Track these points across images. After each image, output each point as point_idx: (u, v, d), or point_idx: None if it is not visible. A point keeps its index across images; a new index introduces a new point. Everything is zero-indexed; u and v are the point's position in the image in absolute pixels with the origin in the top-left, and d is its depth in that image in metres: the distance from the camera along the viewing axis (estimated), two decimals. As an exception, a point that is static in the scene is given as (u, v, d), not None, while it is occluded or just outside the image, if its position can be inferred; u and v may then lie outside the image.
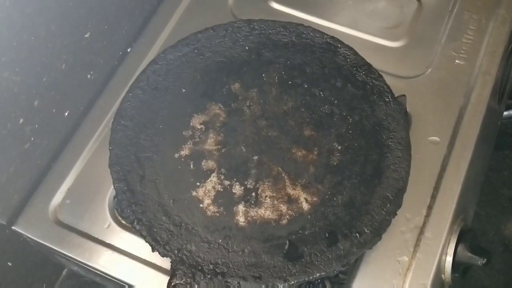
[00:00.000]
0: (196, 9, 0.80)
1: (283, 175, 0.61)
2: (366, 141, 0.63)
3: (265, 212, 0.59)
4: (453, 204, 0.63)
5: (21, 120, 0.62)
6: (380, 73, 0.67)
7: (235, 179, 0.61)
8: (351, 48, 0.68)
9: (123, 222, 0.65)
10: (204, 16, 0.78)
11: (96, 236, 0.65)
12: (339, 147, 0.63)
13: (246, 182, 0.61)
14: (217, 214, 0.59)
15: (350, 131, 0.63)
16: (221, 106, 0.66)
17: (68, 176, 0.68)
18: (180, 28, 0.78)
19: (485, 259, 0.62)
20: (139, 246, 0.63)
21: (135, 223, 0.58)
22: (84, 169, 0.69)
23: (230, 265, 0.55)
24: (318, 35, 0.69)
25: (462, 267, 0.65)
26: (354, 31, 0.77)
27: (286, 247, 0.57)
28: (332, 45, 0.69)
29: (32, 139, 0.65)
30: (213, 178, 0.61)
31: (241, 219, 0.58)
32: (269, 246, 0.57)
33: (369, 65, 0.67)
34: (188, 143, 0.63)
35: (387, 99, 0.65)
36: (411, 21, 0.78)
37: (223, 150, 0.63)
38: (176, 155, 0.62)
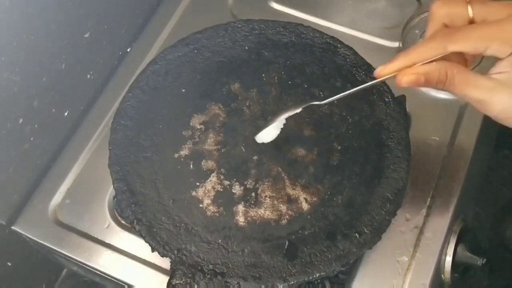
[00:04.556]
0: (196, 9, 0.80)
1: (282, 175, 0.61)
2: (366, 141, 0.63)
3: (265, 212, 0.59)
4: (452, 204, 0.63)
5: (21, 120, 0.62)
6: (380, 73, 0.67)
7: (234, 179, 0.61)
8: (350, 48, 0.68)
9: (122, 222, 0.65)
10: (204, 16, 0.78)
11: (95, 236, 0.65)
12: (339, 147, 0.63)
13: (245, 182, 0.61)
14: (217, 214, 0.59)
15: (350, 131, 0.63)
16: (221, 106, 0.66)
17: (68, 176, 0.69)
18: (180, 28, 0.78)
19: (485, 259, 0.62)
20: (139, 246, 0.63)
21: (134, 223, 0.58)
22: (84, 169, 0.69)
23: (230, 265, 0.55)
24: (318, 35, 0.69)
25: (461, 267, 0.65)
26: (354, 31, 0.77)
27: (286, 247, 0.56)
28: (332, 45, 0.69)
29: (31, 139, 0.65)
30: (213, 178, 0.61)
31: (240, 219, 0.58)
32: (268, 246, 0.57)
33: (369, 65, 0.67)
34: (188, 143, 0.63)
35: (387, 99, 0.65)
36: (411, 21, 0.77)
37: (222, 150, 0.63)
38: (176, 155, 0.62)
